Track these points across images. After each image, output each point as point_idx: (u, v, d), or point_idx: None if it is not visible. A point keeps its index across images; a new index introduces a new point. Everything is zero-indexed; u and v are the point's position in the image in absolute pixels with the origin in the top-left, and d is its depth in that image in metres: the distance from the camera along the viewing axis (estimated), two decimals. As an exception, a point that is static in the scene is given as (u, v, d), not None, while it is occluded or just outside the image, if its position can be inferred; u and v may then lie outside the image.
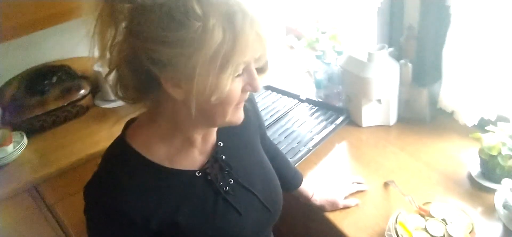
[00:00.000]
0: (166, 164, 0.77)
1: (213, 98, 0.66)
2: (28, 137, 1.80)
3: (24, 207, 1.62)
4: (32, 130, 1.84)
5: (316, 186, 1.21)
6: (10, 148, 1.68)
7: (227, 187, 0.84)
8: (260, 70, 0.71)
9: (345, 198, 1.19)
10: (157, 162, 0.76)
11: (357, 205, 1.18)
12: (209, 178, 0.82)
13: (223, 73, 0.64)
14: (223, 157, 0.86)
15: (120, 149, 0.77)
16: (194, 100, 0.66)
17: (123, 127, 0.82)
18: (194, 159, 0.82)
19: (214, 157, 0.84)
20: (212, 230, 0.81)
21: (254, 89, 0.71)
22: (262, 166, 0.96)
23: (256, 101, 1.12)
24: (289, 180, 1.14)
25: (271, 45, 0.68)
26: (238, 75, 0.67)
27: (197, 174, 0.81)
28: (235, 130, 0.88)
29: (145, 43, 0.63)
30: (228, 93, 0.67)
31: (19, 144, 1.73)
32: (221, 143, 0.86)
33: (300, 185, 1.17)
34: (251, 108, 0.91)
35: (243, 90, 0.70)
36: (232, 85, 0.66)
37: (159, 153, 0.77)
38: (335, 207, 1.17)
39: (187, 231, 0.78)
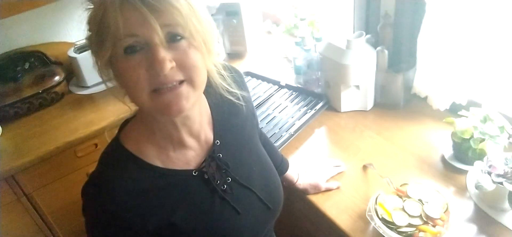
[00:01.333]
0: (159, 164, 0.77)
1: (105, 78, 0.70)
2: (2, 125, 1.75)
3: (1, 196, 1.59)
4: (6, 117, 1.79)
5: (299, 171, 1.24)
6: (-17, 137, 1.63)
7: (225, 186, 0.83)
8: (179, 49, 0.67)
9: (327, 181, 1.23)
10: (150, 163, 0.76)
11: (338, 187, 1.22)
12: (206, 177, 0.81)
13: (102, 50, 0.65)
14: (220, 155, 0.85)
15: (114, 151, 0.77)
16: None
17: (119, 128, 0.81)
18: (188, 158, 0.81)
19: (211, 156, 0.83)
20: (210, 230, 0.81)
21: (156, 69, 0.64)
22: (261, 163, 0.96)
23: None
24: (277, 166, 1.14)
25: (164, 22, 0.63)
26: (131, 52, 0.64)
27: (193, 174, 0.80)
28: (232, 127, 0.89)
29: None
30: (123, 73, 0.66)
31: (-7, 132, 1.68)
32: (218, 141, 0.85)
33: (286, 171, 1.19)
34: (246, 105, 0.92)
35: (149, 71, 0.65)
36: (125, 63, 0.65)
37: (150, 154, 0.77)
38: (317, 190, 1.21)
39: (185, 231, 0.78)
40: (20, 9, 1.71)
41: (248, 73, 1.91)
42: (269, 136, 1.45)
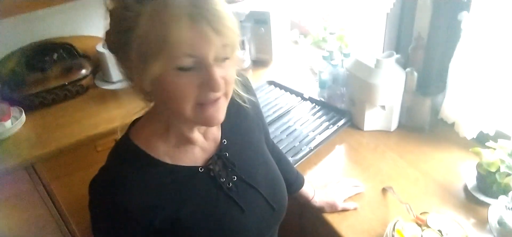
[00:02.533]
0: (167, 160, 0.78)
1: (148, 87, 0.69)
2: (26, 114, 1.79)
3: (19, 183, 1.62)
4: (31, 106, 1.83)
5: (316, 188, 1.22)
6: (8, 123, 1.67)
7: (231, 184, 0.84)
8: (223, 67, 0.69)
9: (344, 201, 1.21)
10: (158, 159, 0.77)
11: (355, 208, 1.19)
12: (212, 174, 0.82)
13: (150, 65, 0.64)
14: (227, 154, 0.86)
15: (124, 147, 0.79)
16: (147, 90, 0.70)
17: (129, 125, 0.83)
18: (195, 156, 0.82)
19: (218, 154, 0.85)
20: (214, 227, 0.81)
21: (211, 88, 0.66)
22: (267, 164, 0.96)
23: (258, 97, 1.12)
24: (291, 183, 1.14)
25: (223, 43, 0.65)
26: (185, 70, 0.64)
27: (200, 170, 0.81)
28: (239, 129, 0.91)
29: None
30: (170, 87, 0.66)
31: (17, 120, 1.72)
32: (225, 140, 0.87)
33: (301, 187, 1.17)
34: (253, 109, 0.93)
35: (201, 88, 0.67)
36: (176, 79, 0.65)
37: (159, 150, 0.78)
38: (334, 209, 1.19)
39: (190, 227, 0.78)
40: (51, 3, 1.75)
41: (271, 82, 1.90)
42: (288, 149, 1.43)
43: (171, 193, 0.77)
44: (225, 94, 0.72)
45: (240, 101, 0.89)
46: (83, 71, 1.98)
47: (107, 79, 2.04)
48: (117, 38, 0.69)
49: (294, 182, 1.15)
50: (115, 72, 2.01)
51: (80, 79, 1.96)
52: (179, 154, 0.80)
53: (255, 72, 2.08)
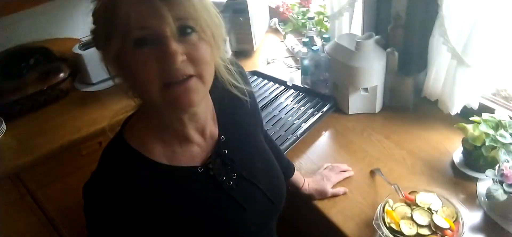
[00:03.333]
0: (164, 161, 0.76)
1: (112, 73, 0.69)
2: (6, 123, 1.74)
3: (6, 193, 1.59)
4: (11, 114, 1.78)
5: (305, 175, 1.22)
6: (-13, 134, 1.62)
7: (231, 182, 0.82)
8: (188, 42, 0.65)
9: (334, 186, 1.21)
10: (155, 160, 0.75)
11: (345, 193, 1.20)
12: (212, 173, 0.80)
13: (110, 43, 0.63)
14: (226, 151, 0.84)
15: (117, 148, 0.76)
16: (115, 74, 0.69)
17: (122, 124, 0.80)
18: (193, 155, 0.80)
19: (217, 152, 0.82)
20: (215, 227, 0.80)
21: (168, 63, 0.62)
22: (265, 157, 0.95)
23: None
24: (282, 171, 1.14)
25: (177, 16, 0.62)
26: (142, 45, 0.62)
27: (199, 170, 0.79)
28: (237, 122, 0.88)
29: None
30: (132, 67, 0.64)
31: (-3, 129, 1.68)
32: (223, 137, 0.84)
33: (292, 175, 1.17)
34: (249, 100, 0.90)
35: (160, 64, 0.63)
36: (134, 56, 0.63)
37: (155, 150, 0.75)
38: (323, 196, 1.19)
39: (190, 228, 0.77)
40: (22, 7, 1.70)
41: (254, 73, 1.89)
42: (275, 139, 1.43)
43: (169, 195, 0.75)
44: (199, 76, 0.67)
45: (238, 93, 0.85)
46: (61, 75, 1.94)
47: (86, 81, 2.00)
48: (94, 32, 0.68)
49: (284, 170, 1.14)
50: (94, 73, 1.97)
51: (59, 83, 1.91)
52: (176, 154, 0.78)
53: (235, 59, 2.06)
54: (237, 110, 0.90)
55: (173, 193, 0.76)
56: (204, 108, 0.80)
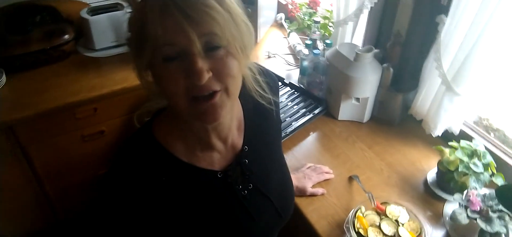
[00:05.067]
0: (185, 160, 0.79)
1: (144, 83, 0.71)
2: (6, 75, 1.77)
3: (-4, 143, 1.63)
4: (11, 68, 1.81)
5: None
6: (-13, 84, 1.66)
7: (245, 191, 0.85)
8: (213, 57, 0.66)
9: (313, 186, 1.27)
10: (178, 157, 0.78)
11: (323, 194, 1.26)
12: (229, 180, 0.83)
13: (141, 55, 0.65)
14: (246, 161, 0.86)
15: (143, 139, 0.79)
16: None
17: (152, 115, 0.82)
18: (213, 160, 0.82)
19: (238, 161, 0.85)
20: (224, 231, 0.84)
21: (194, 80, 0.64)
22: (282, 171, 0.98)
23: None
24: None
25: (201, 32, 0.62)
26: (170, 60, 0.64)
27: (218, 175, 0.82)
28: (261, 133, 0.90)
29: None
30: (162, 80, 0.67)
31: (-3, 81, 1.71)
32: (247, 147, 0.86)
33: None
34: (275, 110, 0.92)
35: (188, 79, 0.65)
36: (164, 70, 0.65)
37: (178, 149, 0.78)
38: (302, 193, 1.25)
39: (200, 227, 0.81)
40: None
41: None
42: (264, 132, 1.48)
43: (187, 193, 0.79)
44: (225, 90, 0.68)
45: (264, 103, 0.85)
46: (66, 36, 1.96)
47: (89, 46, 2.03)
48: (128, 40, 0.70)
49: None
50: (98, 39, 2.00)
51: (62, 44, 1.94)
52: (196, 156, 0.80)
53: (267, 69, 2.10)
54: (263, 119, 0.92)
55: (190, 191, 0.79)
56: (229, 119, 0.82)
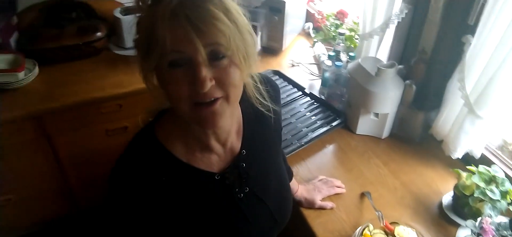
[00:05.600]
0: (184, 160, 0.81)
1: (149, 85, 0.73)
2: (39, 67, 1.85)
3: (25, 132, 1.71)
4: (44, 60, 1.88)
5: (299, 182, 1.28)
6: (21, 74, 1.74)
7: (242, 194, 0.87)
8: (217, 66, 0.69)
9: (323, 199, 1.26)
10: (177, 157, 0.80)
11: (332, 208, 1.24)
12: (227, 182, 0.85)
13: (148, 59, 0.68)
14: (244, 165, 0.88)
15: (145, 139, 0.82)
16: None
17: (155, 116, 0.85)
18: (211, 162, 0.85)
19: (235, 164, 0.87)
20: (219, 231, 0.86)
21: (197, 87, 0.66)
22: (279, 177, 0.99)
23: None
24: None
25: (206, 42, 0.65)
26: (176, 66, 0.67)
27: (216, 177, 0.84)
28: (259, 138, 0.92)
29: None
30: (166, 84, 0.69)
31: (30, 72, 1.79)
32: (244, 151, 0.88)
33: (290, 181, 1.20)
34: (275, 118, 0.94)
35: (191, 86, 0.67)
36: (169, 75, 0.68)
37: (178, 149, 0.81)
38: (311, 206, 1.24)
39: (195, 228, 0.83)
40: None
41: (276, 72, 1.94)
42: (279, 141, 1.48)
43: (185, 192, 0.81)
44: (226, 97, 0.71)
45: (263, 110, 0.88)
46: (99, 34, 2.03)
47: (120, 44, 2.10)
48: (136, 42, 0.73)
49: None
50: (129, 38, 2.06)
51: (94, 41, 2.01)
52: (195, 157, 0.83)
53: (263, 59, 2.12)
54: (262, 126, 0.94)
55: (188, 191, 0.81)
56: (229, 123, 0.84)
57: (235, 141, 0.88)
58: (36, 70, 1.82)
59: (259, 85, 0.84)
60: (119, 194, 0.79)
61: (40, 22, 1.98)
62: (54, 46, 1.90)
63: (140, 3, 0.69)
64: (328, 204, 1.25)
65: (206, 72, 0.66)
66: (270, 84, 0.94)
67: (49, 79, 1.83)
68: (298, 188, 1.25)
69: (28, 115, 1.66)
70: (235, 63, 0.70)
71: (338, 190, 1.30)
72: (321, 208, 1.24)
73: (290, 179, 1.22)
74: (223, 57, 0.68)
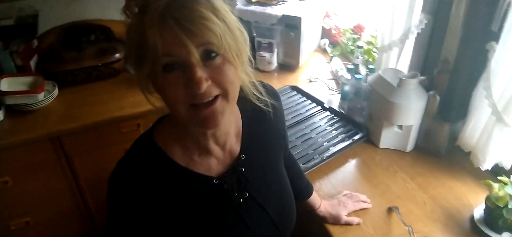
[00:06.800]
0: (183, 164, 0.81)
1: (145, 90, 0.72)
2: (58, 88, 1.87)
3: (44, 153, 1.72)
4: (63, 82, 1.91)
5: (323, 198, 1.24)
6: (41, 96, 1.76)
7: (241, 200, 0.86)
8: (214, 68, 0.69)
9: (348, 215, 1.22)
10: (175, 161, 0.80)
11: (358, 224, 1.20)
12: (225, 187, 0.84)
13: (142, 66, 0.67)
14: (243, 169, 0.87)
15: (144, 143, 0.82)
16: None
17: (154, 122, 0.85)
18: (210, 166, 0.84)
19: (234, 168, 0.86)
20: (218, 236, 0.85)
21: (193, 89, 0.66)
22: (281, 184, 0.97)
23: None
24: (301, 190, 1.15)
25: (198, 42, 0.65)
26: (170, 69, 0.66)
27: (214, 181, 0.83)
28: (259, 139, 0.91)
29: None
30: (162, 88, 0.69)
31: (50, 93, 1.81)
32: (244, 155, 0.87)
33: (309, 197, 1.19)
34: (275, 114, 0.92)
35: (187, 87, 0.67)
36: (164, 79, 0.67)
37: (176, 153, 0.80)
38: (337, 221, 1.20)
39: (194, 233, 0.82)
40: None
41: (294, 88, 1.92)
42: (301, 156, 1.45)
43: (183, 196, 0.80)
44: (224, 94, 0.71)
45: (261, 105, 0.88)
46: (117, 55, 2.04)
47: (138, 65, 2.11)
48: (127, 53, 0.74)
49: (303, 190, 1.17)
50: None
51: (113, 62, 2.02)
52: (194, 161, 0.82)
53: (280, 75, 2.11)
54: (261, 125, 0.93)
55: (187, 195, 0.81)
56: (227, 125, 0.84)
57: (234, 144, 0.87)
58: (56, 91, 1.85)
59: (254, 80, 0.83)
60: (118, 195, 0.79)
61: (59, 45, 2.01)
62: (74, 68, 1.92)
63: (127, 12, 0.69)
64: (355, 219, 1.20)
65: (201, 73, 0.66)
66: (266, 84, 0.94)
67: (69, 100, 1.85)
68: (321, 203, 1.22)
69: (48, 135, 1.67)
70: (229, 60, 0.70)
71: (364, 205, 1.25)
72: (348, 224, 1.20)
73: (310, 194, 1.19)
74: (216, 56, 0.68)
